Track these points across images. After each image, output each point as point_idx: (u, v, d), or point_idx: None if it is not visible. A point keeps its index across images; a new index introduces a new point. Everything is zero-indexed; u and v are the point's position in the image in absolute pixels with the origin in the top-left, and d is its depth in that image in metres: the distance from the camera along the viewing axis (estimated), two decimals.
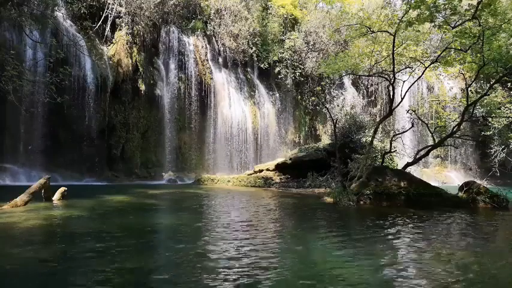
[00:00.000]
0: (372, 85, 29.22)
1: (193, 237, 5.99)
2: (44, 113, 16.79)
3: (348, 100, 25.85)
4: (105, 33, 20.01)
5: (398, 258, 4.96)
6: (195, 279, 3.87)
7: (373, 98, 29.36)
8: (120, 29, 20.42)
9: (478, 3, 10.53)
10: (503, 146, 21.46)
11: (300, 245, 5.56)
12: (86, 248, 5.02)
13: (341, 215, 9.15)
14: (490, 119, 19.46)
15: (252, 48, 24.99)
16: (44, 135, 17.31)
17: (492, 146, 22.34)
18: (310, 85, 26.89)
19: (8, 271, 4.02)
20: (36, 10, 15.25)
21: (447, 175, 26.84)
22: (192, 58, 22.84)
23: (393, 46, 12.14)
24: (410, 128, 14.52)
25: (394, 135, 15.36)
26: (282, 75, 26.25)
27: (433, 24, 11.80)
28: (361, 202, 10.65)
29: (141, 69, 20.91)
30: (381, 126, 16.75)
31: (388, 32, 12.73)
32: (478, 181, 14.14)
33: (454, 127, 13.71)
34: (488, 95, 14.94)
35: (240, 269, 4.12)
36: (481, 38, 10.84)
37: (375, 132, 13.87)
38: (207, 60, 23.79)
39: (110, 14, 19.73)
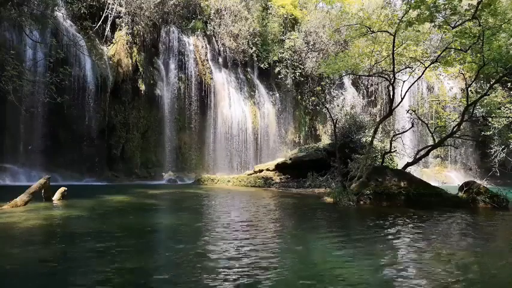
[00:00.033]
0: (372, 85, 29.22)
1: (193, 237, 5.99)
2: (44, 113, 16.79)
3: (348, 100, 25.84)
4: (105, 33, 20.01)
5: (398, 258, 4.96)
6: (195, 279, 3.87)
7: (373, 98, 29.36)
8: (120, 29, 20.42)
9: (478, 3, 10.53)
10: (503, 146, 21.46)
11: (300, 245, 5.56)
12: (86, 248, 5.02)
13: (341, 215, 9.15)
14: (490, 119, 19.46)
15: (252, 48, 24.99)
16: (44, 135, 17.31)
17: (492, 146, 22.34)
18: (310, 85, 26.90)
19: (8, 271, 4.02)
20: (36, 10, 15.25)
21: (447, 175, 26.84)
22: (192, 58, 22.84)
23: (393, 46, 12.14)
24: (410, 128, 14.52)
25: (394, 135, 15.36)
26: (282, 75, 26.25)
27: (433, 24, 11.80)
28: (361, 202, 10.65)
29: (141, 69, 20.92)
30: (381, 126, 16.75)
31: (388, 32, 12.73)
32: (478, 181, 14.15)
33: (454, 127, 13.71)
34: (488, 95, 14.94)
35: (240, 269, 4.12)
36: (481, 38, 10.84)
37: (375, 132, 13.87)
38: (207, 60, 23.79)
39: (110, 14, 19.73)
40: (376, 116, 28.08)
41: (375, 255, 5.02)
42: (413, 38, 13.22)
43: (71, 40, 17.26)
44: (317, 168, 17.23)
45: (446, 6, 11.07)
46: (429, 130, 14.44)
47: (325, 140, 24.59)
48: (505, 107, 18.40)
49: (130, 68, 20.41)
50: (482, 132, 21.40)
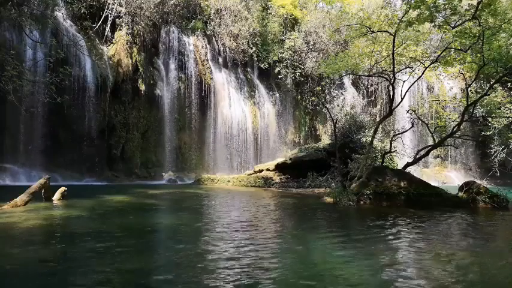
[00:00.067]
0: (372, 85, 29.21)
1: (193, 237, 5.99)
2: (44, 113, 16.78)
3: (348, 100, 25.84)
4: (105, 33, 20.01)
5: (398, 258, 4.96)
6: (195, 279, 3.87)
7: (373, 98, 29.35)
8: (120, 29, 20.42)
9: (478, 3, 10.53)
10: (503, 146, 21.46)
11: (300, 245, 5.56)
12: (86, 248, 5.02)
13: (341, 215, 9.15)
14: (490, 119, 19.45)
15: (252, 48, 24.99)
16: (44, 135, 17.31)
17: (492, 146, 22.33)
18: (310, 85, 26.89)
19: (8, 271, 4.02)
20: (36, 10, 15.25)
21: (447, 175, 26.83)
22: (192, 58, 22.84)
23: (393, 46, 12.14)
24: (410, 128, 14.52)
25: (394, 135, 15.36)
26: (282, 75, 26.25)
27: (433, 24, 11.80)
28: (361, 202, 10.65)
29: (141, 69, 20.92)
30: (381, 126, 16.75)
31: (388, 32, 12.73)
32: (478, 181, 14.14)
33: (454, 127, 13.71)
34: (488, 95, 14.94)
35: (240, 269, 4.12)
36: (481, 38, 10.84)
37: (375, 132, 13.87)
38: (207, 60, 23.79)
39: (110, 14, 19.72)
40: (376, 116, 28.08)
41: (375, 255, 5.02)
42: (413, 38, 13.22)
43: (71, 40, 17.26)
44: (317, 168, 17.23)
45: (446, 6, 11.07)
46: (429, 130, 14.44)
47: (325, 140, 24.59)
48: (505, 107, 18.39)
49: (130, 68, 20.41)
50: (482, 132, 21.40)
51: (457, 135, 14.37)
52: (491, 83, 13.48)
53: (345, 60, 14.86)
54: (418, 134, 26.57)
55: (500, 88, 20.09)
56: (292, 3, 27.33)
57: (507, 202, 10.56)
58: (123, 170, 20.01)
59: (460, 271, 4.39)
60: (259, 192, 14.50)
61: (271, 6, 26.55)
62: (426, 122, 15.84)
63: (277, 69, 26.09)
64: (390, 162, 17.27)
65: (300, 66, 26.54)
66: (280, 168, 18.78)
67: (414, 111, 14.49)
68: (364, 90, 29.36)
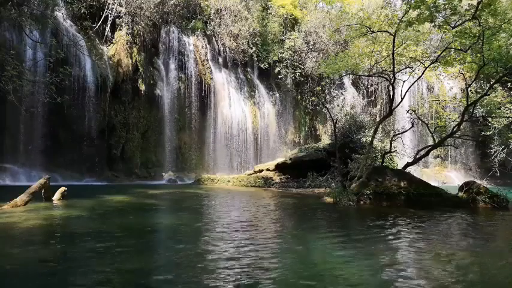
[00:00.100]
0: (372, 85, 29.21)
1: (193, 237, 5.99)
2: (44, 113, 16.78)
3: (348, 100, 25.84)
4: (105, 33, 20.01)
5: (398, 258, 4.96)
6: (195, 279, 3.87)
7: (373, 98, 29.35)
8: (120, 29, 20.42)
9: (478, 3, 10.53)
10: (503, 146, 21.46)
11: (300, 245, 5.56)
12: (86, 248, 5.02)
13: (341, 215, 9.15)
14: (490, 119, 19.45)
15: (252, 48, 24.99)
16: (44, 135, 17.31)
17: (492, 146, 22.34)
18: (310, 85, 26.89)
19: (8, 271, 4.02)
20: (36, 10, 15.25)
21: (447, 175, 26.83)
22: (192, 58, 22.84)
23: (393, 46, 12.14)
24: (410, 128, 14.52)
25: (394, 135, 15.36)
26: (282, 75, 26.25)
27: (433, 24, 11.80)
28: (361, 202, 10.65)
29: (141, 69, 20.92)
30: (381, 126, 16.75)
31: (388, 32, 12.73)
32: (478, 181, 14.14)
33: (454, 127, 13.71)
34: (488, 95, 14.94)
35: (240, 269, 4.12)
36: (481, 38, 10.84)
37: (375, 132, 13.87)
38: (207, 60, 23.79)
39: (110, 14, 19.72)
40: (376, 116, 28.08)
41: (375, 255, 5.02)
42: (413, 38, 13.22)
43: (71, 40, 17.25)
44: (317, 168, 17.23)
45: (446, 6, 11.07)
46: (429, 130, 14.44)
47: (325, 140, 24.59)
48: (505, 107, 18.40)
49: (130, 68, 20.41)
50: (482, 132, 21.40)
51: (457, 135, 14.37)
52: (491, 83, 13.48)
53: (345, 60, 14.86)
54: (418, 134, 26.57)
55: (500, 88, 20.08)
56: (292, 3, 27.33)
57: (507, 202, 10.56)
58: (123, 170, 20.01)
59: (460, 271, 4.39)
60: (259, 192, 14.50)
61: (271, 6, 26.55)
62: (426, 122, 15.84)
63: (277, 69, 26.09)
64: (390, 162, 17.27)
65: (300, 66, 26.54)
66: (280, 168, 18.78)
67: (414, 111, 14.49)
68: (364, 90, 29.36)
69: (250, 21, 24.91)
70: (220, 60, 24.70)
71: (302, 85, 27.22)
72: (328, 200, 11.39)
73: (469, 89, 13.78)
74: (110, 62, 19.57)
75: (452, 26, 11.57)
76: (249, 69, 26.31)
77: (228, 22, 24.18)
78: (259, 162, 23.29)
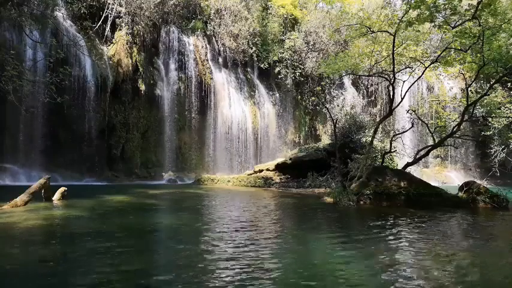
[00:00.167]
0: (372, 85, 29.21)
1: (193, 237, 5.99)
2: (44, 113, 16.79)
3: (348, 100, 25.84)
4: (105, 33, 20.01)
5: (398, 258, 4.95)
6: (196, 279, 3.87)
7: (373, 98, 29.35)
8: (120, 29, 20.42)
9: (478, 3, 10.53)
10: (503, 146, 21.46)
11: (301, 245, 5.56)
12: (86, 248, 5.02)
13: (341, 215, 9.15)
14: (490, 119, 19.46)
15: (252, 48, 24.99)
16: (44, 135, 17.31)
17: (492, 146, 22.34)
18: (310, 85, 26.89)
19: (8, 271, 4.02)
20: (36, 10, 15.25)
21: (447, 175, 26.83)
22: (192, 58, 22.84)
23: (393, 46, 12.14)
24: (410, 128, 14.52)
25: (394, 135, 15.36)
26: (282, 75, 26.25)
27: (433, 24, 11.80)
28: (361, 202, 10.64)
29: (141, 69, 20.92)
30: (381, 126, 16.75)
31: (388, 32, 12.73)
32: (478, 181, 14.14)
33: (454, 127, 13.71)
34: (488, 95, 14.94)
35: (240, 269, 4.12)
36: (481, 38, 10.84)
37: (375, 132, 13.87)
38: (207, 60, 23.79)
39: (110, 14, 19.73)
40: (376, 116, 28.08)
41: (375, 255, 5.02)
42: (413, 38, 13.23)
43: (71, 40, 17.25)
44: (317, 168, 17.23)
45: (446, 6, 11.07)
46: (429, 130, 14.44)
47: (325, 140, 24.59)
48: (505, 107, 18.40)
49: (130, 68, 20.42)
50: (482, 132, 21.40)
51: (457, 135, 14.37)
52: (491, 83, 13.48)
53: (345, 60, 14.86)
54: (418, 134, 26.57)
55: (500, 88, 20.09)
56: (292, 3, 27.33)
57: (507, 202, 10.56)
58: (123, 170, 20.02)
59: (460, 271, 4.39)
60: (259, 192, 14.50)
61: (271, 6, 26.55)
62: (426, 122, 15.84)
63: (277, 69, 26.09)
64: (390, 162, 17.27)
65: (300, 66, 26.54)
66: (280, 168, 18.78)
67: (414, 111, 14.49)
68: (364, 90, 29.36)
69: (250, 21, 24.91)
70: (220, 60, 24.70)
71: (302, 85, 27.23)
72: (328, 200, 11.39)
73: (469, 89, 13.78)
74: (110, 62, 19.57)
75: (452, 26, 11.57)
76: (249, 69, 26.31)
77: (228, 22, 24.18)
78: (259, 162, 23.30)
